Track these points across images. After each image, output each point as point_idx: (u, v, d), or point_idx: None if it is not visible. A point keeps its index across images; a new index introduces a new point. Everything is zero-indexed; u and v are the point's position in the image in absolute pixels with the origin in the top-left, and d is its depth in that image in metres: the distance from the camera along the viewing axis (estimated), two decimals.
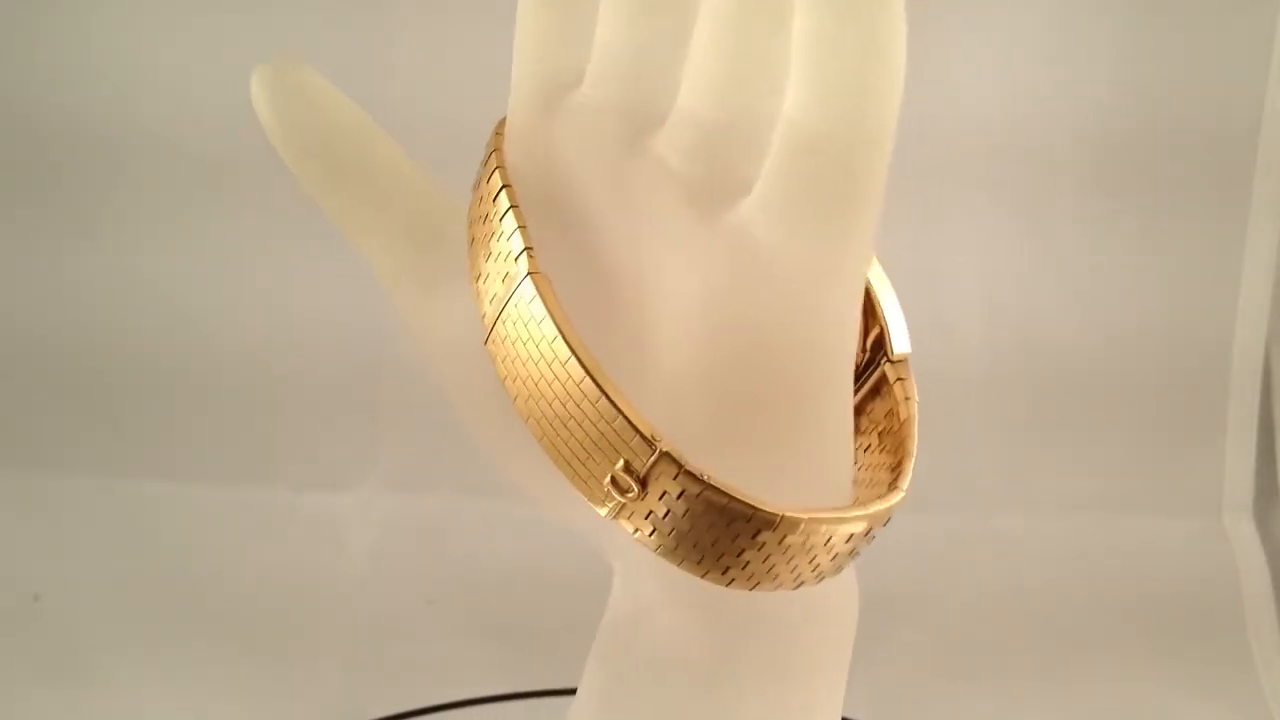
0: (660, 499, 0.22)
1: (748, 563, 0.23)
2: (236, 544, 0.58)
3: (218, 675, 0.50)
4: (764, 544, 0.22)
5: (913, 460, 0.25)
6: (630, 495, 0.22)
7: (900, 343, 0.26)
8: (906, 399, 0.26)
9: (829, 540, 0.23)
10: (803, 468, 0.24)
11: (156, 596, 0.54)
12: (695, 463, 0.22)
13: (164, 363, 0.63)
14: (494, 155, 0.25)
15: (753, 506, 0.22)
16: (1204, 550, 0.58)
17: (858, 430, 0.27)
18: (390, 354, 0.61)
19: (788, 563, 0.23)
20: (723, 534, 0.22)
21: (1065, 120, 0.60)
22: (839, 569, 0.24)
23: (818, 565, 0.23)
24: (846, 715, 0.45)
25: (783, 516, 0.22)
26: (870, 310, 0.26)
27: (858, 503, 0.25)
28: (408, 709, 0.49)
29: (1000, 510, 0.60)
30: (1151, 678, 0.51)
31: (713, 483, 0.22)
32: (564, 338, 0.22)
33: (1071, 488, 0.61)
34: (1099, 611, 0.55)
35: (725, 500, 0.22)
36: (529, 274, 0.23)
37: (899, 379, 0.26)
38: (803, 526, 0.22)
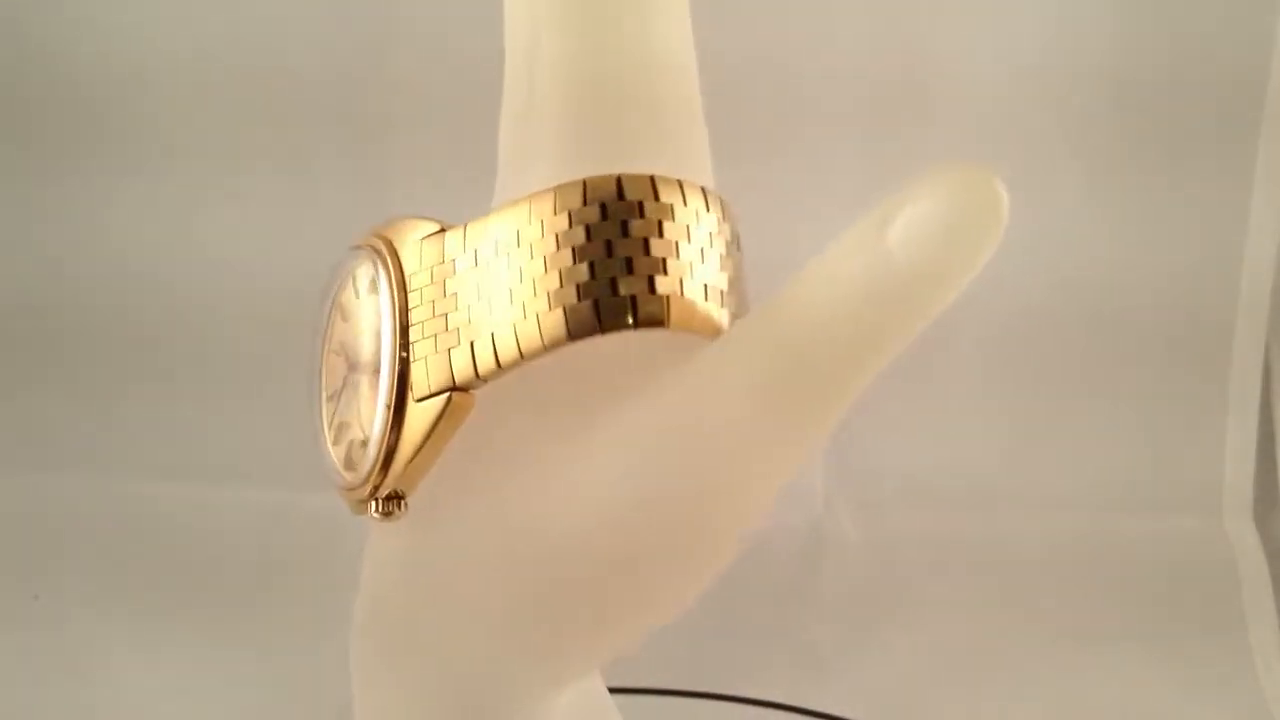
0: None
1: None
2: (236, 544, 0.58)
3: (218, 675, 0.50)
4: None
5: None
6: None
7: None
8: None
9: None
10: None
11: (156, 596, 0.54)
12: None
13: (164, 361, 0.63)
14: None
15: None
16: (1204, 550, 0.58)
17: None
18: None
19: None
20: None
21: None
22: None
23: None
24: (844, 716, 0.45)
25: None
26: None
27: None
28: None
29: (1000, 509, 0.60)
30: (1151, 678, 0.51)
31: None
32: None
33: (1071, 487, 0.60)
34: (1098, 611, 0.55)
35: None
36: None
37: None
38: None
